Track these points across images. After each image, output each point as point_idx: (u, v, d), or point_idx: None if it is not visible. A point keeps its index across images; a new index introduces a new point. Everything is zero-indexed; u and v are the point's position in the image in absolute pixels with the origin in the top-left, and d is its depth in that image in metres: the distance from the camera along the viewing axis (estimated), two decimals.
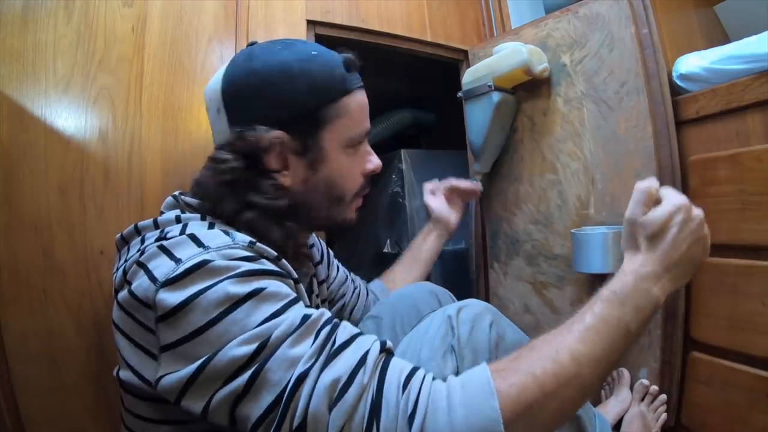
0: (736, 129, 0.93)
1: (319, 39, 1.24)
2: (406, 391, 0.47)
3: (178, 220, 0.61)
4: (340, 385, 0.47)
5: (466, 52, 1.50)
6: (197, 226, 0.59)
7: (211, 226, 0.59)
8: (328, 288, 0.95)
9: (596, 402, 1.08)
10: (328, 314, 0.54)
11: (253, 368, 0.47)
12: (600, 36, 1.11)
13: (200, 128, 1.02)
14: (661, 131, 1.02)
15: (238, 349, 0.47)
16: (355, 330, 0.54)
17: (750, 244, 0.88)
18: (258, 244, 0.57)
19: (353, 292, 1.03)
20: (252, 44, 0.71)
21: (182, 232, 0.56)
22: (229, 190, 0.62)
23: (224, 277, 0.50)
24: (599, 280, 1.12)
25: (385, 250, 1.74)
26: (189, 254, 0.52)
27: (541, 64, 1.19)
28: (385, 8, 1.36)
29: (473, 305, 0.75)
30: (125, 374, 0.56)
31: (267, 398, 0.47)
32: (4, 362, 0.78)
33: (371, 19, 1.32)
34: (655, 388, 1.02)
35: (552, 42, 1.22)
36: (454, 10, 1.53)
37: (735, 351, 0.91)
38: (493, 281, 1.42)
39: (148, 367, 0.53)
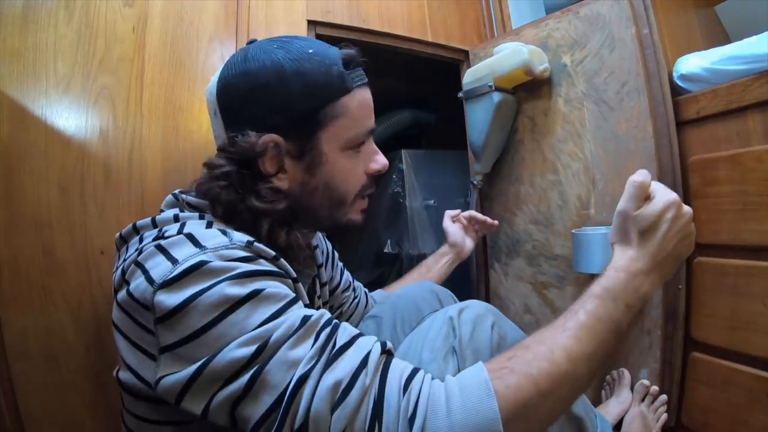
0: (737, 129, 0.93)
1: (320, 39, 1.24)
2: (407, 393, 0.47)
3: (176, 218, 0.61)
4: (342, 387, 0.46)
5: (466, 53, 1.50)
6: (195, 224, 0.59)
7: (209, 225, 0.59)
8: (330, 292, 0.95)
9: (597, 402, 1.08)
10: (327, 315, 0.54)
11: (252, 370, 0.47)
12: (600, 36, 1.11)
13: (201, 128, 1.03)
14: (661, 131, 1.02)
15: (238, 351, 0.47)
16: (355, 331, 0.53)
17: (750, 245, 0.88)
18: (256, 243, 0.57)
19: (352, 301, 1.03)
20: (251, 42, 0.69)
21: (180, 231, 0.56)
22: (225, 195, 0.62)
23: (222, 278, 0.50)
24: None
25: (386, 250, 1.75)
26: (186, 255, 0.52)
27: (541, 65, 1.19)
28: (386, 8, 1.36)
29: (475, 306, 0.75)
30: (124, 375, 0.56)
31: (267, 400, 0.47)
32: (3, 359, 0.78)
33: (372, 19, 1.32)
34: (655, 388, 1.01)
35: (552, 42, 1.22)
36: (454, 10, 1.53)
37: (735, 351, 0.91)
38: (494, 281, 1.42)
39: (146, 367, 0.53)
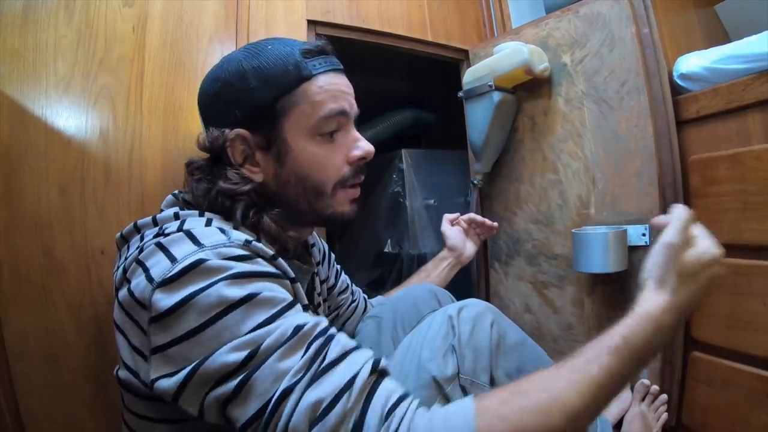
0: (737, 128, 0.93)
1: (319, 39, 1.24)
2: (388, 421, 0.46)
3: (176, 216, 0.62)
4: (322, 407, 0.46)
5: (466, 52, 1.50)
6: (194, 221, 0.60)
7: (208, 222, 0.60)
8: (327, 292, 0.95)
9: None
10: (323, 324, 0.53)
11: (241, 376, 0.48)
12: (600, 36, 1.11)
13: (201, 128, 1.02)
14: (661, 131, 1.02)
15: (229, 355, 0.48)
16: (350, 344, 0.53)
17: (751, 244, 0.88)
18: (254, 242, 0.57)
19: (349, 304, 1.02)
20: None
21: (179, 229, 0.56)
22: (200, 185, 0.65)
23: (219, 278, 0.50)
24: (599, 279, 1.12)
25: (386, 250, 1.75)
26: (184, 253, 0.52)
27: (541, 64, 1.19)
28: (386, 8, 1.36)
29: (474, 305, 0.75)
30: (124, 374, 0.57)
31: (253, 406, 0.47)
32: (4, 360, 0.78)
33: (372, 19, 1.32)
34: (655, 387, 1.01)
35: (552, 42, 1.22)
36: (454, 9, 1.53)
37: (736, 351, 0.91)
38: (494, 281, 1.42)
39: (141, 368, 0.53)
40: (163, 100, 0.99)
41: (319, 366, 0.49)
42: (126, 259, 0.58)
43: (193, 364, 0.48)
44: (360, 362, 0.50)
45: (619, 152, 1.09)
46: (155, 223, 0.63)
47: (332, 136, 0.68)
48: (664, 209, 1.00)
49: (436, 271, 1.16)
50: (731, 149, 0.92)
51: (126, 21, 0.96)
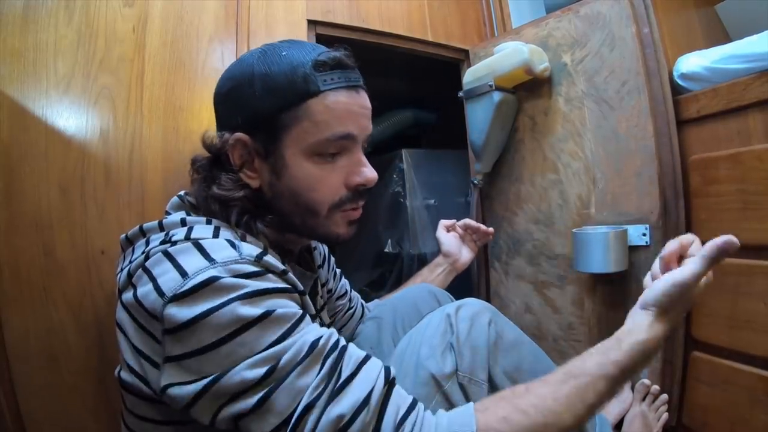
0: (737, 128, 0.93)
1: (320, 39, 1.24)
2: (400, 431, 0.50)
3: (183, 223, 0.61)
4: (344, 422, 0.49)
5: (466, 52, 1.49)
6: (202, 230, 0.59)
7: (216, 232, 0.59)
8: (328, 295, 0.95)
9: None
10: (335, 337, 0.55)
11: (262, 393, 0.49)
12: (601, 35, 1.11)
13: (201, 128, 1.02)
14: (661, 130, 1.02)
15: (248, 372, 0.49)
16: (361, 356, 0.55)
17: (751, 244, 0.88)
18: (265, 258, 0.56)
19: (347, 310, 1.01)
20: None
21: (187, 237, 0.56)
22: (199, 184, 0.66)
23: (233, 296, 0.50)
24: (600, 279, 1.12)
25: (386, 250, 1.75)
26: (195, 267, 0.52)
27: (541, 64, 1.18)
28: (386, 8, 1.36)
29: (472, 304, 0.75)
30: (126, 375, 0.56)
31: (272, 421, 0.49)
32: (4, 360, 0.78)
33: (372, 19, 1.32)
34: (656, 387, 1.01)
35: (553, 41, 1.22)
36: (454, 9, 1.53)
37: (736, 351, 0.91)
38: (495, 281, 1.42)
39: (151, 373, 0.53)
40: (164, 100, 0.99)
41: (337, 382, 0.51)
42: (131, 262, 0.58)
43: (211, 378, 0.49)
44: (374, 376, 0.53)
45: (619, 152, 1.09)
46: (161, 228, 0.62)
47: (333, 157, 0.64)
48: (664, 209, 1.00)
49: (432, 276, 1.15)
50: (731, 149, 0.92)
51: (126, 21, 0.96)
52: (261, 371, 0.49)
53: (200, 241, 0.55)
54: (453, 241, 1.18)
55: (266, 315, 0.51)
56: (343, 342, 0.55)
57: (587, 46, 1.14)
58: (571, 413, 0.53)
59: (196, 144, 0.99)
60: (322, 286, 0.88)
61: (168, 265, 0.53)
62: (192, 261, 0.53)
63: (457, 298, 0.97)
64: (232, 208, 0.63)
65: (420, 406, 0.54)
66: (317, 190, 0.64)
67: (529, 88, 1.27)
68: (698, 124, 1.00)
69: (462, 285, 1.50)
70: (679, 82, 1.04)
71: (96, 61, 0.91)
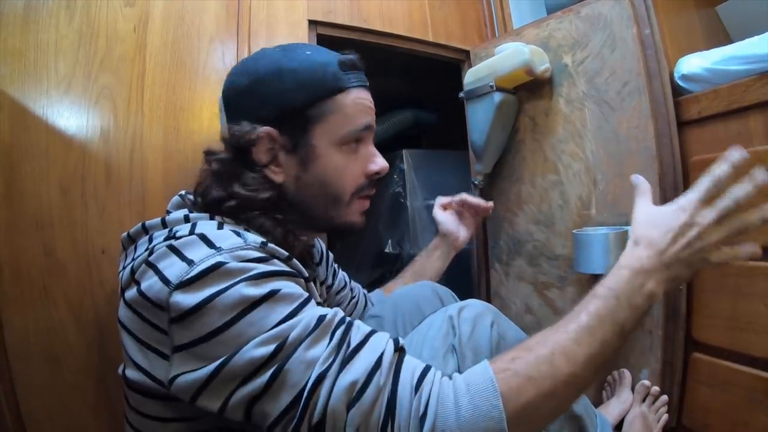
0: (738, 130, 0.92)
1: (321, 39, 1.24)
2: (419, 393, 0.49)
3: (186, 219, 0.61)
4: (358, 387, 0.48)
5: (467, 52, 1.50)
6: (206, 225, 0.59)
7: (220, 226, 0.59)
8: (327, 292, 0.95)
9: (598, 403, 1.08)
10: (341, 314, 0.55)
11: (272, 369, 0.48)
12: (602, 36, 1.11)
13: (202, 127, 1.03)
14: (662, 132, 1.02)
15: (257, 350, 0.48)
16: (368, 329, 0.55)
17: None
18: (269, 244, 0.57)
19: (350, 300, 1.02)
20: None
21: (191, 232, 0.56)
22: (216, 180, 0.64)
23: (239, 279, 0.51)
24: (600, 280, 1.12)
25: (387, 250, 1.74)
26: (201, 255, 0.52)
27: (542, 65, 1.18)
28: (387, 8, 1.36)
29: (474, 305, 0.75)
30: (132, 373, 0.56)
31: (286, 398, 0.48)
32: (4, 360, 0.78)
33: (373, 19, 1.32)
34: (656, 388, 1.01)
35: (554, 42, 1.22)
36: (455, 10, 1.53)
37: (736, 352, 0.91)
38: (495, 281, 1.42)
39: (158, 366, 0.53)
40: (164, 100, 0.99)
41: (347, 351, 0.51)
42: (134, 259, 0.58)
43: (220, 361, 0.49)
44: (383, 343, 0.53)
45: (620, 153, 1.09)
46: (164, 225, 0.62)
47: (356, 147, 0.70)
48: None
49: (430, 261, 1.15)
50: None
51: (127, 21, 0.96)
52: (270, 348, 0.49)
53: (205, 234, 0.56)
54: (451, 220, 1.17)
55: (272, 294, 0.51)
56: (349, 318, 0.55)
57: (588, 47, 1.14)
58: (572, 339, 0.54)
59: (196, 144, 1.01)
60: (321, 283, 0.89)
61: (174, 257, 0.53)
62: (198, 251, 0.53)
63: (459, 298, 0.97)
64: (254, 210, 0.64)
65: (435, 370, 0.53)
66: (344, 177, 0.69)
67: (530, 89, 1.26)
68: (699, 126, 1.00)
69: (462, 285, 1.50)
70: (680, 83, 1.04)
71: (97, 61, 0.91)
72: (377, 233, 1.79)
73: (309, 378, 0.48)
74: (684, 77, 1.03)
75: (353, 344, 0.52)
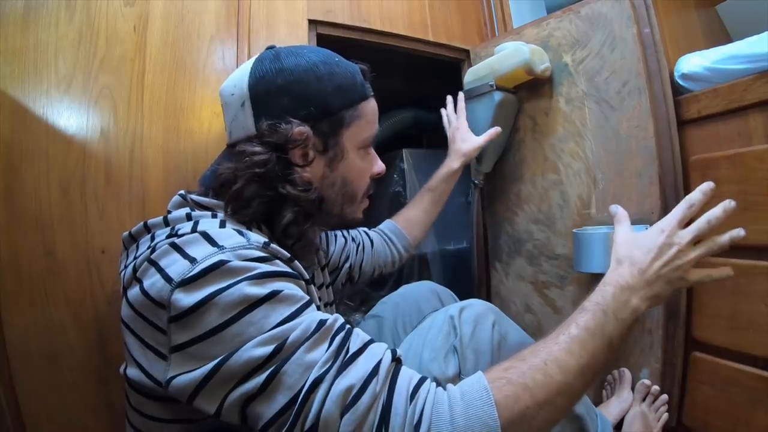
0: (738, 129, 0.92)
1: (321, 39, 1.24)
2: (414, 401, 0.49)
3: (188, 217, 0.61)
4: (353, 393, 0.48)
5: (467, 52, 1.49)
6: (208, 223, 0.59)
7: (222, 224, 0.59)
8: (328, 262, 0.96)
9: (598, 402, 1.08)
10: (341, 320, 0.55)
11: (269, 370, 0.48)
12: (602, 36, 1.11)
13: (202, 127, 1.03)
14: (662, 131, 1.02)
15: (255, 350, 0.48)
16: (367, 337, 0.55)
17: (752, 245, 0.88)
18: (272, 245, 0.58)
19: (356, 249, 1.04)
20: (271, 47, 0.71)
21: (194, 230, 0.56)
22: (261, 184, 0.62)
23: (241, 278, 0.51)
24: (601, 280, 1.12)
25: None
26: (204, 254, 0.52)
27: (542, 64, 1.18)
28: (387, 8, 1.36)
29: (476, 305, 0.75)
30: (133, 372, 0.56)
31: (281, 400, 0.48)
32: (5, 359, 0.78)
33: (373, 19, 1.32)
34: (656, 388, 1.01)
35: (554, 41, 1.21)
36: (455, 9, 1.53)
37: (737, 351, 0.91)
38: (495, 281, 1.42)
39: (156, 366, 0.53)
40: (164, 100, 0.99)
41: (345, 356, 0.51)
42: (136, 258, 0.58)
43: (217, 361, 0.48)
44: (380, 351, 0.53)
45: (620, 152, 1.09)
46: (166, 223, 0.62)
47: (367, 151, 0.75)
48: (665, 210, 1.00)
49: (449, 185, 1.20)
50: (732, 149, 0.92)
51: (127, 20, 0.96)
52: (269, 349, 0.49)
53: (207, 232, 0.56)
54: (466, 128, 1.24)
55: (274, 294, 0.51)
56: (348, 326, 0.56)
57: (588, 47, 1.14)
58: (563, 349, 0.56)
59: (196, 143, 1.01)
60: (323, 268, 0.89)
61: (176, 255, 0.53)
62: (200, 249, 0.53)
63: (459, 298, 0.97)
64: (292, 210, 0.64)
65: (430, 381, 0.53)
66: (361, 178, 0.75)
67: (530, 88, 1.27)
68: (699, 125, 1.00)
69: (463, 284, 1.50)
70: (680, 82, 1.04)
71: (97, 61, 0.91)
72: None
73: (306, 381, 0.48)
74: (684, 76, 1.03)
75: (352, 350, 0.52)
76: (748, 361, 0.89)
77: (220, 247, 0.53)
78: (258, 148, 0.63)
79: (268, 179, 0.63)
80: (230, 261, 0.51)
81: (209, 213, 0.63)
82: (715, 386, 0.94)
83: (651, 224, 1.01)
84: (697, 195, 0.68)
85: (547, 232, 1.26)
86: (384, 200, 1.74)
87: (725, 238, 0.66)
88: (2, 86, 0.82)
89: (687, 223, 0.68)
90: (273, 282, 0.53)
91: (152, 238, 0.60)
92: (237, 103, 0.67)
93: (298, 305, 0.53)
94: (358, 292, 1.75)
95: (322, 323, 0.52)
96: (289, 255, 0.60)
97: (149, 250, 0.56)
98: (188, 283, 0.50)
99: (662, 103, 1.02)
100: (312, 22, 1.22)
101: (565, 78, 1.19)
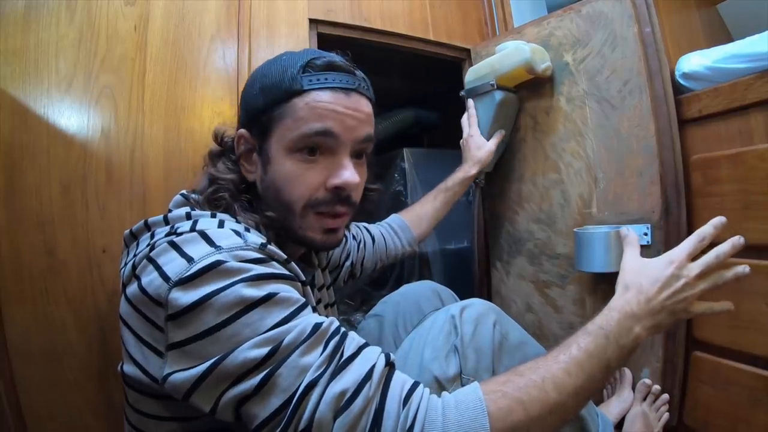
0: (739, 128, 0.92)
1: (322, 38, 1.24)
2: (407, 406, 0.50)
3: (188, 216, 0.62)
4: (347, 397, 0.48)
5: (468, 51, 1.49)
6: (207, 222, 0.60)
7: (221, 224, 0.60)
8: (329, 262, 0.97)
9: (599, 401, 1.08)
10: (336, 324, 0.55)
11: (264, 372, 0.48)
12: (602, 35, 1.11)
13: (202, 126, 1.03)
14: (663, 130, 1.02)
15: (251, 351, 0.49)
16: (362, 341, 0.55)
17: (753, 244, 0.87)
18: (269, 246, 0.58)
19: (357, 246, 1.04)
20: None
21: (192, 229, 0.57)
22: (205, 171, 0.71)
23: (237, 279, 0.51)
24: (601, 279, 1.12)
25: None
26: (201, 253, 0.52)
27: (543, 63, 1.18)
28: (388, 7, 1.36)
29: (477, 305, 0.75)
30: (129, 368, 0.56)
31: (275, 402, 0.48)
32: (6, 358, 0.78)
33: (373, 18, 1.32)
34: (657, 387, 1.01)
35: (554, 41, 1.21)
36: (456, 8, 1.52)
37: (737, 351, 0.91)
38: (496, 280, 1.42)
39: (153, 363, 0.53)
40: (165, 99, 0.99)
41: (339, 360, 0.51)
42: (135, 255, 0.58)
43: (213, 360, 0.49)
44: (374, 356, 0.53)
45: (621, 151, 1.08)
46: (166, 221, 0.63)
47: (313, 155, 0.65)
48: (666, 209, 1.00)
49: (462, 188, 1.23)
50: (733, 149, 0.92)
51: (127, 20, 0.96)
52: (264, 351, 0.49)
53: (206, 231, 0.56)
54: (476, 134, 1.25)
55: (270, 296, 0.51)
56: (344, 329, 0.56)
57: (589, 46, 1.14)
58: (561, 369, 0.56)
59: (197, 143, 1.01)
60: (323, 270, 0.89)
61: (174, 253, 0.53)
62: (198, 248, 0.53)
63: (459, 297, 0.97)
64: (220, 187, 0.67)
65: (424, 387, 0.54)
66: (293, 186, 0.65)
67: (531, 88, 1.26)
68: (700, 124, 1.00)
69: (463, 284, 1.50)
70: (681, 81, 1.04)
71: (97, 60, 0.91)
72: None
73: (300, 384, 0.48)
74: (685, 75, 1.03)
75: (346, 355, 0.52)
76: (748, 361, 0.89)
77: (218, 248, 0.53)
78: (213, 148, 0.74)
79: (207, 167, 0.71)
80: (227, 261, 0.51)
81: (208, 212, 0.63)
82: (715, 386, 0.94)
83: (652, 223, 1.02)
84: (708, 229, 0.68)
85: (548, 232, 1.26)
86: (385, 200, 1.74)
87: (730, 274, 0.67)
88: (3, 86, 0.82)
89: (696, 256, 0.68)
90: (269, 284, 0.53)
91: (152, 237, 0.60)
92: None
93: (294, 308, 0.53)
94: (358, 291, 1.75)
95: (317, 327, 0.52)
96: (285, 257, 0.60)
97: (148, 247, 0.57)
98: (185, 282, 0.50)
99: (663, 102, 1.02)
100: (312, 22, 1.22)
101: (566, 77, 1.19)
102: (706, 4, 1.28)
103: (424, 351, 0.70)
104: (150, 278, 0.53)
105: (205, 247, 0.53)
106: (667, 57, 1.04)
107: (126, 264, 0.60)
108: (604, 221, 1.12)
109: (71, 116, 0.88)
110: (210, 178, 0.68)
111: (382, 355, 0.54)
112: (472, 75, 1.28)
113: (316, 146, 0.64)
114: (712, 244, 0.68)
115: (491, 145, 1.23)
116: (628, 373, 1.07)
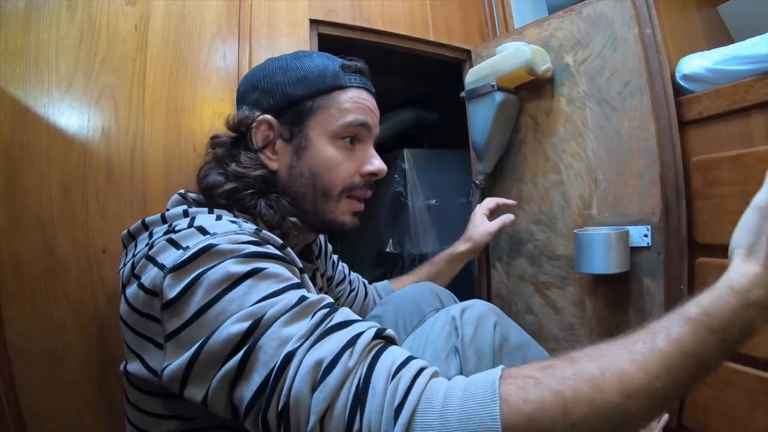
0: (739, 130, 0.92)
1: (322, 38, 1.24)
2: (395, 380, 0.42)
3: (185, 214, 0.62)
4: (323, 366, 0.43)
5: (469, 52, 1.49)
6: (205, 218, 0.60)
7: (218, 218, 0.60)
8: (328, 285, 0.96)
9: None
10: (328, 299, 0.52)
11: (246, 346, 0.45)
12: (603, 36, 1.11)
13: (203, 126, 1.03)
14: (664, 132, 1.02)
15: (233, 326, 0.46)
16: (355, 316, 0.51)
17: None
18: (264, 231, 0.58)
19: (349, 293, 1.03)
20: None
21: (190, 225, 0.57)
22: (216, 163, 0.69)
23: (227, 258, 0.51)
24: (601, 280, 1.12)
25: (388, 250, 1.74)
26: (196, 241, 0.53)
27: (544, 64, 1.18)
28: (388, 8, 1.36)
29: (477, 306, 0.75)
30: (133, 366, 0.56)
31: (257, 379, 0.44)
32: (5, 358, 0.78)
33: (374, 19, 1.32)
34: None
35: (555, 42, 1.21)
36: (456, 9, 1.52)
37: (737, 352, 0.91)
38: (496, 281, 1.42)
39: (155, 357, 0.53)
40: (165, 99, 0.99)
41: (323, 330, 0.46)
42: (134, 255, 0.58)
43: (200, 342, 0.47)
44: (363, 327, 0.48)
45: (621, 153, 1.08)
46: (164, 220, 0.63)
47: (352, 143, 0.73)
48: (666, 210, 1.00)
49: (451, 267, 1.18)
50: (734, 150, 0.92)
51: (128, 20, 0.96)
52: (245, 325, 0.46)
53: (203, 225, 0.56)
54: (489, 226, 1.19)
55: (257, 271, 0.50)
56: (337, 306, 0.52)
57: (589, 47, 1.14)
58: (636, 361, 0.41)
59: (198, 143, 1.01)
60: (322, 275, 0.90)
61: (172, 249, 0.54)
62: (194, 241, 0.53)
63: (459, 298, 0.97)
64: (246, 186, 0.66)
65: (428, 364, 0.45)
66: (335, 170, 0.71)
67: (531, 89, 1.26)
68: (700, 126, 1.00)
69: (463, 285, 1.50)
70: (681, 83, 1.04)
71: (98, 60, 0.91)
72: (378, 232, 1.79)
73: (279, 356, 0.44)
74: (685, 77, 1.03)
75: (331, 324, 0.47)
76: (748, 362, 0.89)
77: (212, 234, 0.54)
78: (220, 134, 0.72)
79: (222, 161, 0.69)
80: (219, 244, 0.51)
81: (205, 209, 0.64)
82: (715, 387, 0.94)
83: (652, 225, 1.02)
84: None
85: (548, 233, 1.26)
86: (384, 200, 1.74)
87: None
88: (3, 85, 0.82)
89: None
90: (259, 261, 0.52)
91: (150, 236, 0.60)
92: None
93: (283, 284, 0.51)
94: None
95: (304, 298, 0.49)
96: (281, 241, 0.59)
97: (147, 247, 0.57)
98: (179, 268, 0.50)
99: (663, 103, 1.02)
100: (313, 22, 1.22)
101: (567, 78, 1.19)
102: (706, 5, 1.28)
103: (424, 352, 0.70)
104: (148, 274, 0.53)
105: (201, 237, 0.54)
106: (668, 58, 1.04)
107: (125, 264, 0.60)
108: (605, 222, 1.12)
109: (71, 116, 0.88)
110: (235, 174, 0.67)
111: (374, 327, 0.48)
112: (472, 76, 1.28)
113: (355, 136, 0.73)
114: None
115: (491, 226, 1.19)
116: None
